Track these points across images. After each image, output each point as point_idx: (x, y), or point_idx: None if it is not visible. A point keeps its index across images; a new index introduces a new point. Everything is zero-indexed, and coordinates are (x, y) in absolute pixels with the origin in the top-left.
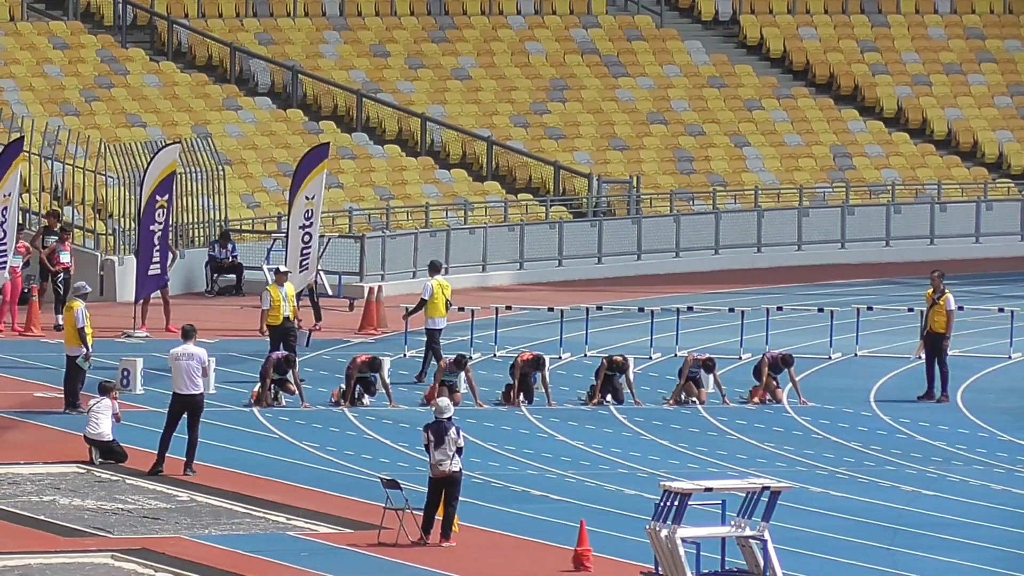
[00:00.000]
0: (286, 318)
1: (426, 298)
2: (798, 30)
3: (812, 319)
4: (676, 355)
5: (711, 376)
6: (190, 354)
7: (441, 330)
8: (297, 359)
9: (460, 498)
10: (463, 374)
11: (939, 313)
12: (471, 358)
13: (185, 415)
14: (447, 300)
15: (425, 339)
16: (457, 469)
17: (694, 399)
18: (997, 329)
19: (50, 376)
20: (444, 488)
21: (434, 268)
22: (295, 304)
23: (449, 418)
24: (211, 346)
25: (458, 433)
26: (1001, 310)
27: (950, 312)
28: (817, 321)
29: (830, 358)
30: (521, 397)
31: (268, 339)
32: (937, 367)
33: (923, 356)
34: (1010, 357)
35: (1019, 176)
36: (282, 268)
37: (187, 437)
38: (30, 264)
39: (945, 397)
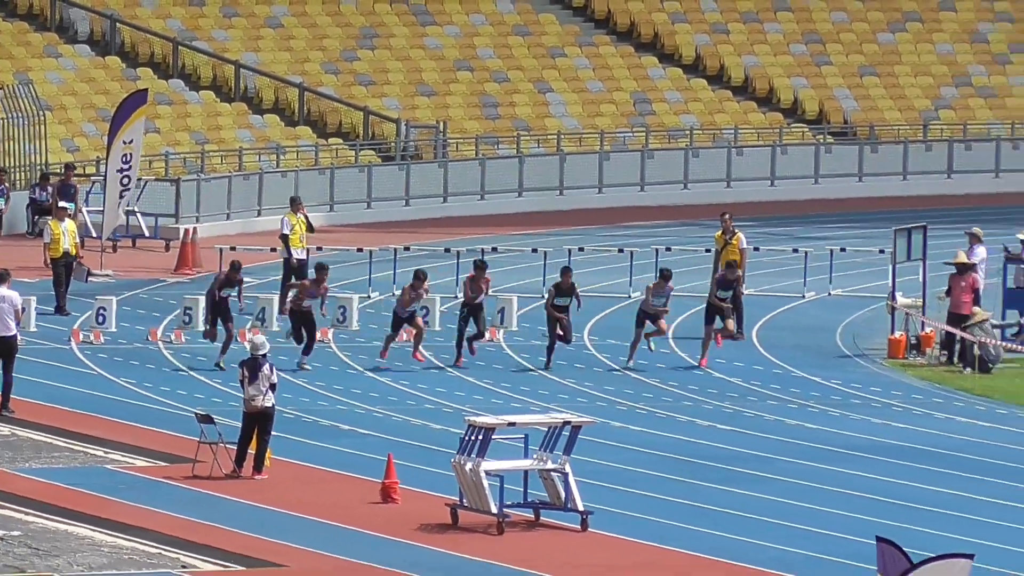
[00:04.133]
0: (66, 252)
1: (286, 232)
2: None
3: (613, 259)
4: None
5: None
6: (2, 297)
7: (302, 260)
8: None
9: (272, 432)
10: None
11: (731, 253)
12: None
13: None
14: (304, 232)
15: (282, 272)
16: (270, 404)
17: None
18: (791, 269)
19: None
20: (257, 423)
21: (294, 204)
22: (76, 240)
23: (264, 355)
24: (31, 286)
25: (272, 370)
26: (795, 250)
27: (743, 250)
28: (617, 261)
29: (630, 297)
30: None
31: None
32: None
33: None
34: (803, 296)
35: (813, 121)
36: (61, 203)
37: (1, 379)
38: None
39: (741, 335)
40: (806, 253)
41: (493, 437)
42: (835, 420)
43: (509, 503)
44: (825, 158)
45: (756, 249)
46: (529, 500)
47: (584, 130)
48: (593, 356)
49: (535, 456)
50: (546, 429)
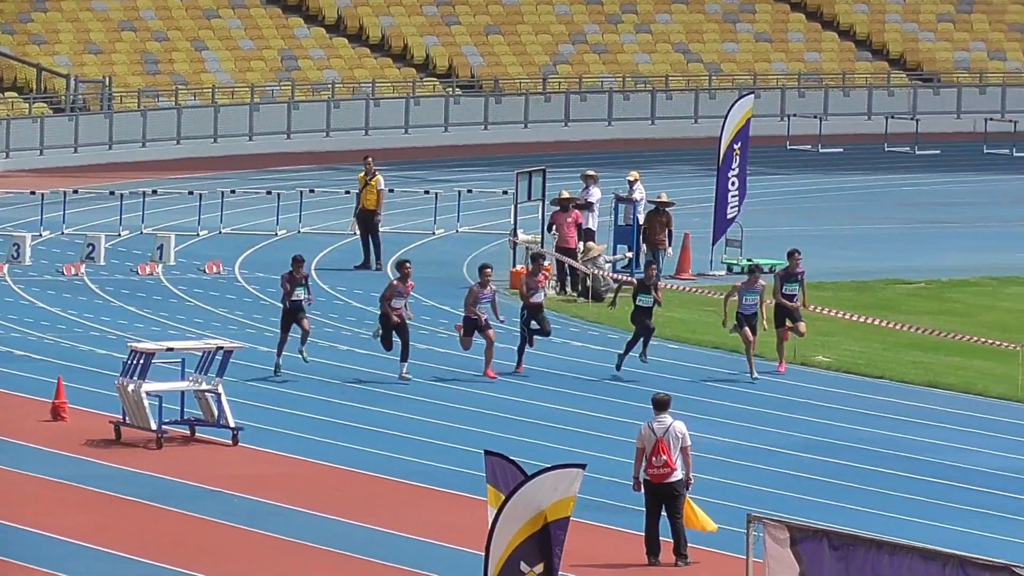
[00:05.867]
0: None
1: None
2: None
3: (261, 200)
4: (143, 232)
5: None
6: None
7: None
8: None
9: None
10: None
11: (371, 193)
12: None
13: None
14: None
15: None
16: None
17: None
18: (423, 209)
19: None
20: None
21: None
22: None
23: None
24: None
25: None
26: (427, 192)
27: (380, 191)
28: (266, 202)
29: (276, 235)
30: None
31: None
32: (371, 240)
33: (357, 231)
34: (434, 233)
35: (443, 75)
36: None
37: None
38: None
39: (379, 267)
40: (436, 194)
41: (153, 361)
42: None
43: (167, 420)
44: (454, 109)
45: (391, 191)
46: (185, 418)
47: (237, 84)
48: (243, 288)
49: (191, 378)
50: (201, 354)
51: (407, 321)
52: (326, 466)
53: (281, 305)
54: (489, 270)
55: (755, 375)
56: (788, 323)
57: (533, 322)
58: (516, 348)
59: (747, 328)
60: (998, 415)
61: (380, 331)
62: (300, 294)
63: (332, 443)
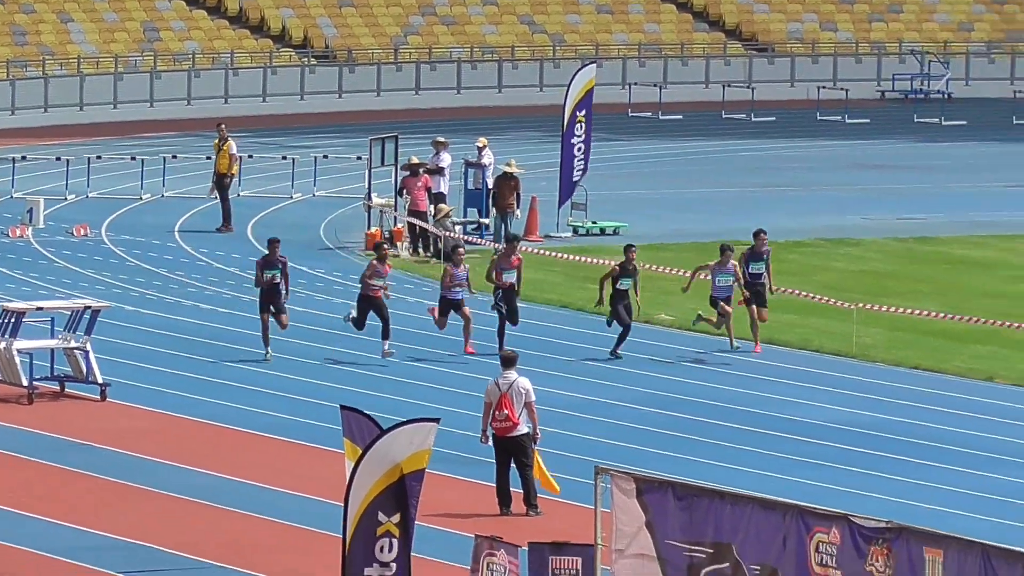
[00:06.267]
0: None
1: None
2: None
3: (126, 166)
4: (12, 196)
5: None
6: None
7: None
8: None
9: None
10: None
11: (224, 157)
12: None
13: None
14: None
15: None
16: None
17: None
18: (281, 174)
19: None
20: None
21: None
22: None
23: None
24: None
25: None
26: (284, 158)
27: (232, 156)
28: (130, 168)
29: (141, 199)
30: None
31: None
32: (221, 202)
33: (216, 194)
34: (291, 197)
35: (299, 46)
36: None
37: None
38: None
39: (228, 228)
40: (293, 160)
41: (24, 320)
42: (319, 303)
43: (38, 377)
44: (309, 78)
45: (250, 156)
46: (55, 374)
47: (101, 55)
48: (110, 250)
49: (60, 336)
50: (70, 312)
51: (384, 299)
52: (190, 420)
53: (257, 289)
54: (462, 250)
55: (735, 344)
56: (754, 305)
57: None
58: (496, 331)
59: (722, 303)
60: (833, 371)
61: (353, 314)
62: (276, 276)
63: (196, 398)
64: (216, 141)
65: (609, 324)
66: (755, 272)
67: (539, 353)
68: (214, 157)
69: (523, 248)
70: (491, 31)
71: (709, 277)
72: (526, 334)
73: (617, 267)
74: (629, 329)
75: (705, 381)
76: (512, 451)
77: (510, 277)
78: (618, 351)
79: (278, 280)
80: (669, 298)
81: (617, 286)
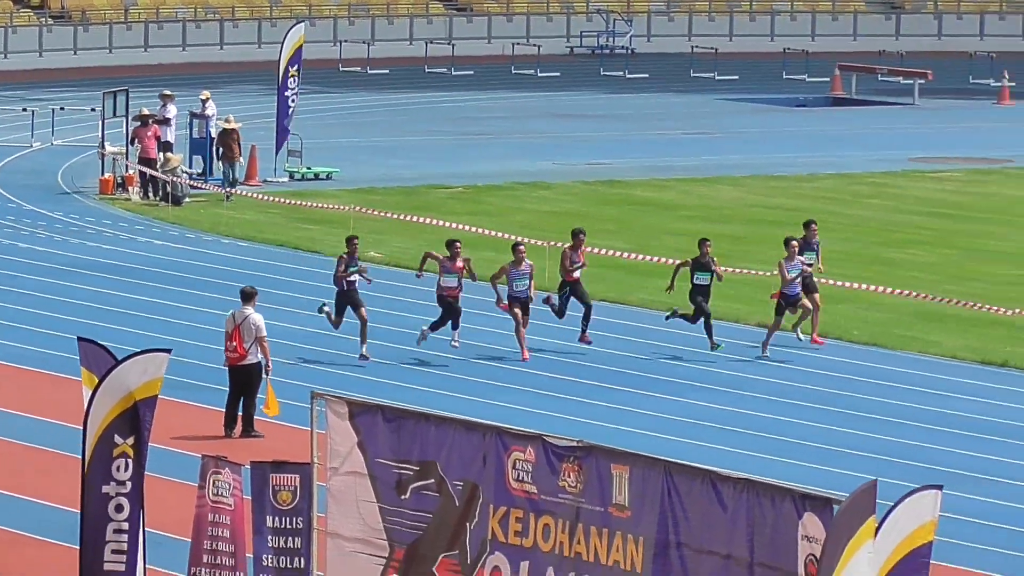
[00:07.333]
0: None
1: None
2: None
3: None
4: None
5: None
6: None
7: None
8: None
9: None
10: None
11: None
12: None
13: None
14: None
15: None
16: None
17: None
18: (21, 125)
19: None
20: None
21: None
22: None
23: None
24: None
25: None
26: (24, 110)
27: None
28: None
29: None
30: None
31: None
32: None
33: None
34: (31, 146)
35: (37, 7)
36: None
37: None
38: None
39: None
40: (33, 112)
41: None
42: (59, 244)
43: None
44: (47, 36)
45: None
46: None
47: None
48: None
49: None
50: None
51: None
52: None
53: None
54: (522, 247)
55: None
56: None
57: (573, 297)
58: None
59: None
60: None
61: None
62: (355, 275)
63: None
64: None
65: (667, 318)
66: (700, 283)
67: (269, 290)
68: None
69: (242, 193)
70: None
71: (686, 267)
72: (246, 271)
73: (690, 261)
74: (709, 316)
75: (413, 313)
76: (241, 379)
77: (577, 274)
78: (713, 341)
79: (357, 278)
80: (380, 237)
81: (695, 280)
